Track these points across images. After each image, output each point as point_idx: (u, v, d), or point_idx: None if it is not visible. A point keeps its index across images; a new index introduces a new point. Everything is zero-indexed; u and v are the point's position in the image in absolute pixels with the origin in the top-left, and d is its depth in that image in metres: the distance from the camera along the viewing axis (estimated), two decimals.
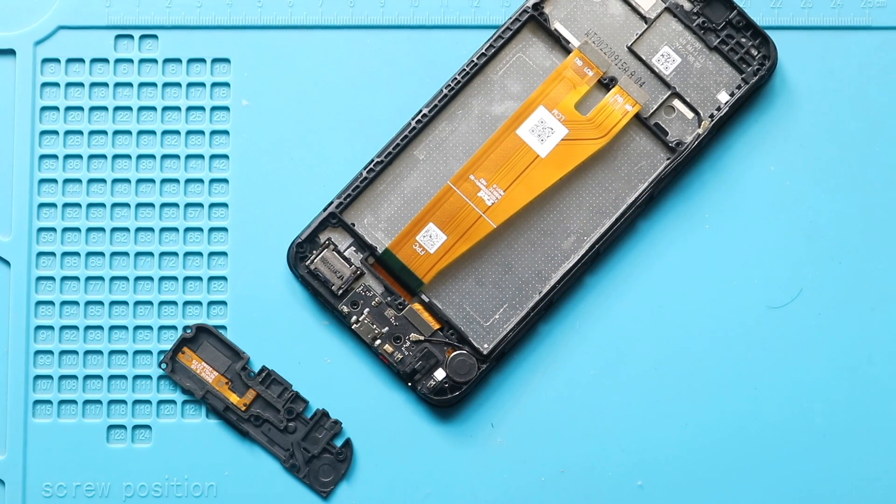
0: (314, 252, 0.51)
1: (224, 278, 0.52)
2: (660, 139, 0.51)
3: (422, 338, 0.51)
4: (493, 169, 0.50)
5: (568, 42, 0.51)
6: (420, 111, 0.51)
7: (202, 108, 0.52)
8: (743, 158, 0.52)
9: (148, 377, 0.52)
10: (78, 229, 0.52)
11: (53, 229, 0.52)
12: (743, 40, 0.51)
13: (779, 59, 0.51)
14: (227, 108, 0.52)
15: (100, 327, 0.52)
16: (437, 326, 0.51)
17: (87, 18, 0.52)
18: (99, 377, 0.52)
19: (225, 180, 0.52)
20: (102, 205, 0.52)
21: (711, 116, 0.51)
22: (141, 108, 0.52)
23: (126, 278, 0.52)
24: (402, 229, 0.51)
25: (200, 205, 0.52)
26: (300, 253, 0.51)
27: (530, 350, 0.51)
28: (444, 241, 0.50)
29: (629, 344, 0.51)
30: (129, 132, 0.52)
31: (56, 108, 0.52)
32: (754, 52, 0.51)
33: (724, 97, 0.51)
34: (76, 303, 0.52)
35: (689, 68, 0.51)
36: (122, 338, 0.52)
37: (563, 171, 0.50)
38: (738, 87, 0.51)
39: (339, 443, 0.51)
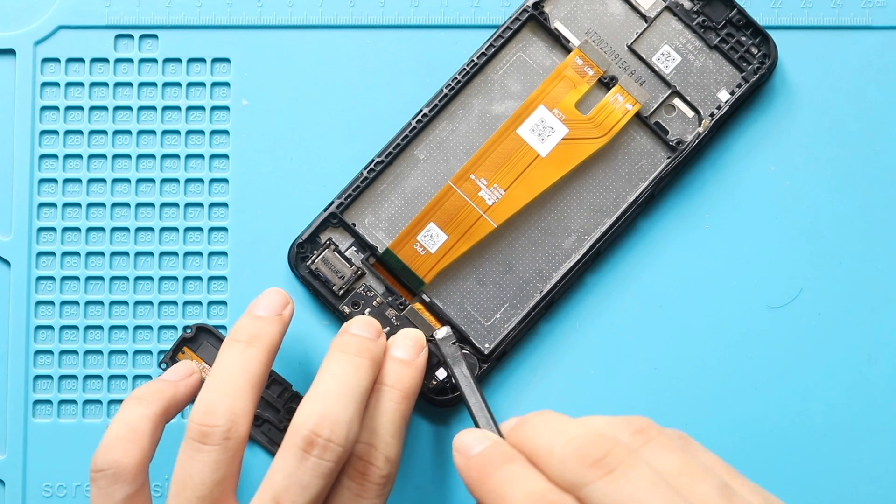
0: (315, 252, 0.51)
1: (224, 278, 0.52)
2: (660, 138, 0.51)
3: None
4: (493, 168, 0.50)
5: (568, 41, 0.51)
6: (420, 111, 0.51)
7: (202, 108, 0.52)
8: (743, 158, 0.52)
9: (148, 377, 0.51)
10: (78, 229, 0.52)
11: (53, 229, 0.52)
12: (743, 39, 0.51)
13: (779, 58, 0.51)
14: (226, 108, 0.52)
15: (100, 327, 0.52)
16: (438, 326, 0.51)
17: (87, 18, 0.52)
18: (99, 377, 0.51)
19: (225, 180, 0.52)
20: (102, 205, 0.52)
21: (712, 115, 0.51)
22: (141, 108, 0.52)
23: (126, 278, 0.52)
24: (403, 229, 0.51)
25: (200, 205, 0.52)
26: (301, 253, 0.51)
27: (531, 350, 0.51)
28: (445, 241, 0.50)
29: (629, 343, 0.51)
30: (129, 132, 0.52)
31: (56, 108, 0.52)
32: (754, 50, 0.51)
33: (724, 96, 0.51)
34: (76, 303, 0.52)
35: (690, 67, 0.51)
36: (122, 338, 0.52)
37: (563, 170, 0.50)
38: (739, 86, 0.51)
39: None
